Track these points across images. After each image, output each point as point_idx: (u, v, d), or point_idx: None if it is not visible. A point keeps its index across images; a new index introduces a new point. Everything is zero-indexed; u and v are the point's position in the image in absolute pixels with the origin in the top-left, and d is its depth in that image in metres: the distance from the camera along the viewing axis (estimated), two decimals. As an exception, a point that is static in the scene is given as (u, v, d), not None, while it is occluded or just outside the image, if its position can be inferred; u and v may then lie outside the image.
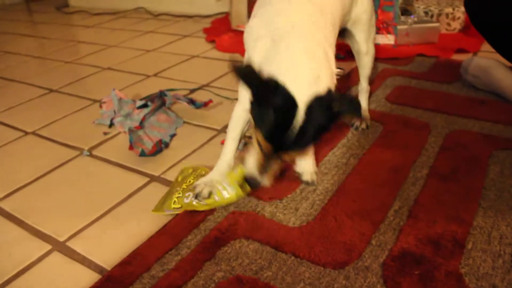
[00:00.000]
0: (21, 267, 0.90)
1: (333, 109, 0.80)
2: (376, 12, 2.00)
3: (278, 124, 0.79)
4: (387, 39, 1.99)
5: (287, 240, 0.88)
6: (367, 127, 1.30)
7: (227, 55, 2.06)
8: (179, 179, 1.08)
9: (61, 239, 0.96)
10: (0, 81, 2.02)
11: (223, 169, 1.02)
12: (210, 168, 1.06)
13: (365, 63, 1.31)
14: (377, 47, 1.89)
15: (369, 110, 1.37)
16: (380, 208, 0.96)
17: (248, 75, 0.77)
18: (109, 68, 2.02)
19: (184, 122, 1.43)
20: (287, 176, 1.08)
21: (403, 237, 0.87)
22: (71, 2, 3.69)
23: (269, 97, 0.78)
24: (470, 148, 1.15)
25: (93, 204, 1.07)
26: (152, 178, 1.15)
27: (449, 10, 2.04)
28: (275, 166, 0.86)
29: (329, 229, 0.90)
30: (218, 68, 1.92)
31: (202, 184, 1.01)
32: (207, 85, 1.71)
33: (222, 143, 1.07)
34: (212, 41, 2.29)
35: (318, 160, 1.15)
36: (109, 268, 0.85)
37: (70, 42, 2.62)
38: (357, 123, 1.30)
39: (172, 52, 2.19)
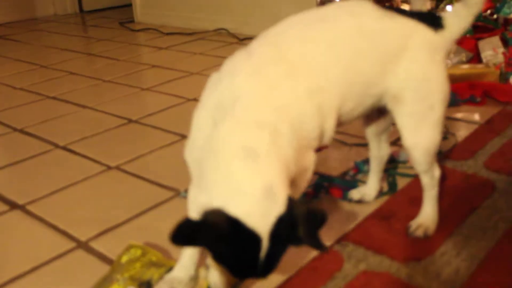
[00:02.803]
0: None
1: (297, 229, 0.85)
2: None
3: (242, 261, 0.86)
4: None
5: (431, 308, 1.00)
6: (425, 235, 1.22)
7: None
8: (123, 260, 1.16)
9: None
10: (68, 106, 2.33)
11: (188, 266, 1.10)
12: (163, 251, 1.19)
13: (414, 159, 1.19)
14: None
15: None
16: (541, 282, 1.05)
17: (191, 234, 0.82)
18: (194, 99, 2.27)
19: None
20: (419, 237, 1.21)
21: None
22: (138, 17, 4.11)
23: (225, 239, 0.83)
24: None
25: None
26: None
27: None
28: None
29: (480, 301, 1.01)
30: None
31: (164, 286, 1.09)
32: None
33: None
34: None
35: (459, 221, 1.26)
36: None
37: (143, 65, 2.94)
38: (413, 226, 1.23)
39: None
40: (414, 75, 1.09)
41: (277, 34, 1.06)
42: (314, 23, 1.08)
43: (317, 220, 0.87)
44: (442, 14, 1.18)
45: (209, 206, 0.85)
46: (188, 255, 1.10)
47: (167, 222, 1.16)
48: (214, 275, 0.97)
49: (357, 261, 1.14)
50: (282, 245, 0.87)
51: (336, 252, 1.17)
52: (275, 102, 0.93)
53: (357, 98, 1.08)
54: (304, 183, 1.07)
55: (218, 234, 0.83)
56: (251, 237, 0.83)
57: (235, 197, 0.84)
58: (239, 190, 0.85)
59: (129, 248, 1.18)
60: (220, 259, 0.87)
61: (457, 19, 1.16)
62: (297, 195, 1.09)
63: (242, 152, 0.87)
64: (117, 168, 1.70)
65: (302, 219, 0.85)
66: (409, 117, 1.13)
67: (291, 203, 0.85)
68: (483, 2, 1.15)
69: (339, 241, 1.21)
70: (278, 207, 0.84)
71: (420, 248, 1.17)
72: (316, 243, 0.87)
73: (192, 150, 1.00)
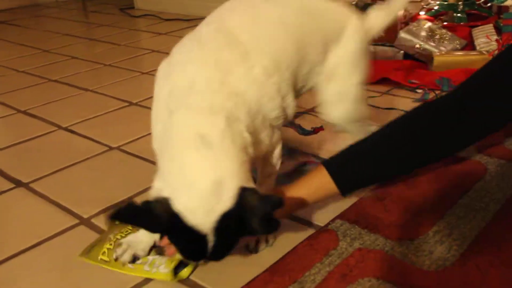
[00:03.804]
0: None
1: (248, 221, 0.85)
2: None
3: (191, 249, 0.90)
4: None
5: (423, 284, 1.01)
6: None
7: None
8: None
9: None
10: (71, 89, 2.32)
11: (150, 234, 1.09)
12: None
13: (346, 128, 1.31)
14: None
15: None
16: (530, 260, 1.06)
17: (131, 216, 0.86)
18: (194, 83, 2.27)
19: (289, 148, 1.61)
20: (414, 215, 1.22)
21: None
22: (138, 3, 4.08)
23: (166, 229, 0.88)
24: None
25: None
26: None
27: None
28: None
29: (470, 277, 1.02)
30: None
31: (125, 244, 1.10)
32: (312, 110, 1.90)
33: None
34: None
35: (452, 202, 1.27)
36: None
37: (142, 50, 2.93)
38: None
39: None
40: (348, 56, 1.17)
41: (224, 17, 1.06)
42: (259, 3, 1.10)
43: (270, 205, 0.87)
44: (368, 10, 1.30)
45: (159, 194, 0.86)
46: None
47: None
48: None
49: (352, 240, 1.15)
50: (230, 238, 0.89)
51: (331, 231, 1.18)
52: (230, 88, 0.93)
53: (304, 77, 1.11)
54: (275, 160, 1.10)
55: (158, 223, 0.86)
56: (194, 232, 0.85)
57: (182, 191, 0.85)
58: (188, 184, 0.85)
59: None
60: (172, 241, 0.91)
61: (378, 16, 1.28)
62: (273, 171, 1.13)
63: (195, 141, 0.86)
64: (118, 148, 1.70)
65: (252, 210, 0.85)
66: (337, 94, 1.21)
67: (242, 195, 0.85)
68: (404, 5, 1.27)
69: (334, 220, 1.22)
70: (224, 203, 0.84)
71: (413, 228, 1.18)
72: (270, 229, 0.90)
73: (155, 142, 1.00)
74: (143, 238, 1.11)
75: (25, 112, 2.07)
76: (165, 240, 0.99)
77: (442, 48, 2.21)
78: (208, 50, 0.98)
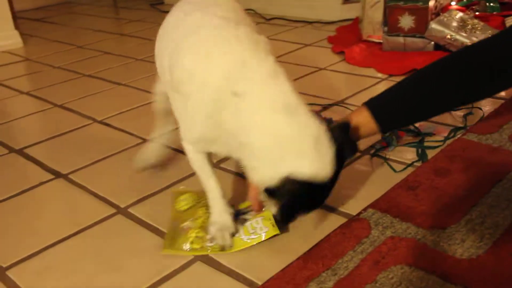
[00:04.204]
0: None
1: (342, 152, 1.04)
2: None
3: (312, 205, 1.09)
4: None
5: (455, 271, 1.02)
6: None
7: (360, 69, 2.25)
8: (182, 207, 1.21)
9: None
10: (104, 83, 2.38)
11: (225, 207, 1.18)
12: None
13: None
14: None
15: None
16: None
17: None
18: (225, 76, 2.29)
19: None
20: (445, 204, 1.22)
21: None
22: (167, -2, 4.14)
23: (301, 199, 1.01)
24: None
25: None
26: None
27: None
28: None
29: (503, 266, 1.03)
30: (352, 83, 2.12)
31: (218, 232, 1.15)
32: (342, 101, 1.91)
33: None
34: (340, 53, 2.49)
35: (485, 190, 1.27)
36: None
37: (174, 45, 2.97)
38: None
39: (295, 62, 2.43)
40: None
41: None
42: None
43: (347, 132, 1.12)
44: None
45: (277, 176, 0.97)
46: (220, 196, 1.17)
47: (198, 187, 1.22)
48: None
49: (384, 228, 1.16)
50: (337, 176, 1.05)
51: (363, 220, 1.20)
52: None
53: None
54: None
55: (296, 200, 1.00)
56: (322, 185, 1.00)
57: (297, 161, 0.97)
58: (298, 153, 0.97)
59: (179, 196, 1.24)
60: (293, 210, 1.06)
61: None
62: None
63: (284, 109, 0.97)
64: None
65: (343, 144, 1.04)
66: None
67: (334, 135, 1.02)
68: None
69: (366, 209, 1.24)
70: (329, 148, 1.00)
71: (445, 217, 1.19)
72: (355, 152, 1.18)
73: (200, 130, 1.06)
74: (225, 215, 1.17)
75: (61, 106, 2.13)
76: (253, 196, 1.15)
77: (474, 39, 2.18)
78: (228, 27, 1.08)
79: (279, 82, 1.02)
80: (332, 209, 1.25)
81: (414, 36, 2.32)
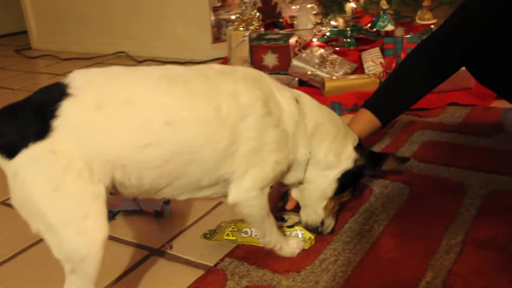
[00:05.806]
0: None
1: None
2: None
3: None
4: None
5: (308, 317, 1.01)
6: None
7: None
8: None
9: None
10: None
11: (286, 238, 1.26)
12: None
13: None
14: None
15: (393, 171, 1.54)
16: (410, 280, 1.09)
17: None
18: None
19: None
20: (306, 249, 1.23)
21: (437, 311, 1.00)
22: (34, 43, 3.97)
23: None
24: None
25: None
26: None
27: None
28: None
29: (354, 304, 1.04)
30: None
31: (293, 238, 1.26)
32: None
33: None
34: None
35: (338, 227, 1.29)
36: None
37: (38, 93, 2.82)
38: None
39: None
40: None
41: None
42: None
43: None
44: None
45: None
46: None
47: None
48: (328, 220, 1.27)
49: (240, 278, 1.14)
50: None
51: (220, 271, 1.17)
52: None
53: None
54: None
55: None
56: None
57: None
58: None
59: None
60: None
61: None
62: None
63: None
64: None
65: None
66: None
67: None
68: None
69: (223, 259, 1.21)
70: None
71: (300, 259, 1.19)
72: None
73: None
74: (290, 242, 1.24)
75: None
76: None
77: (335, 73, 2.28)
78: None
79: None
80: (190, 262, 1.21)
81: (279, 73, 2.38)
